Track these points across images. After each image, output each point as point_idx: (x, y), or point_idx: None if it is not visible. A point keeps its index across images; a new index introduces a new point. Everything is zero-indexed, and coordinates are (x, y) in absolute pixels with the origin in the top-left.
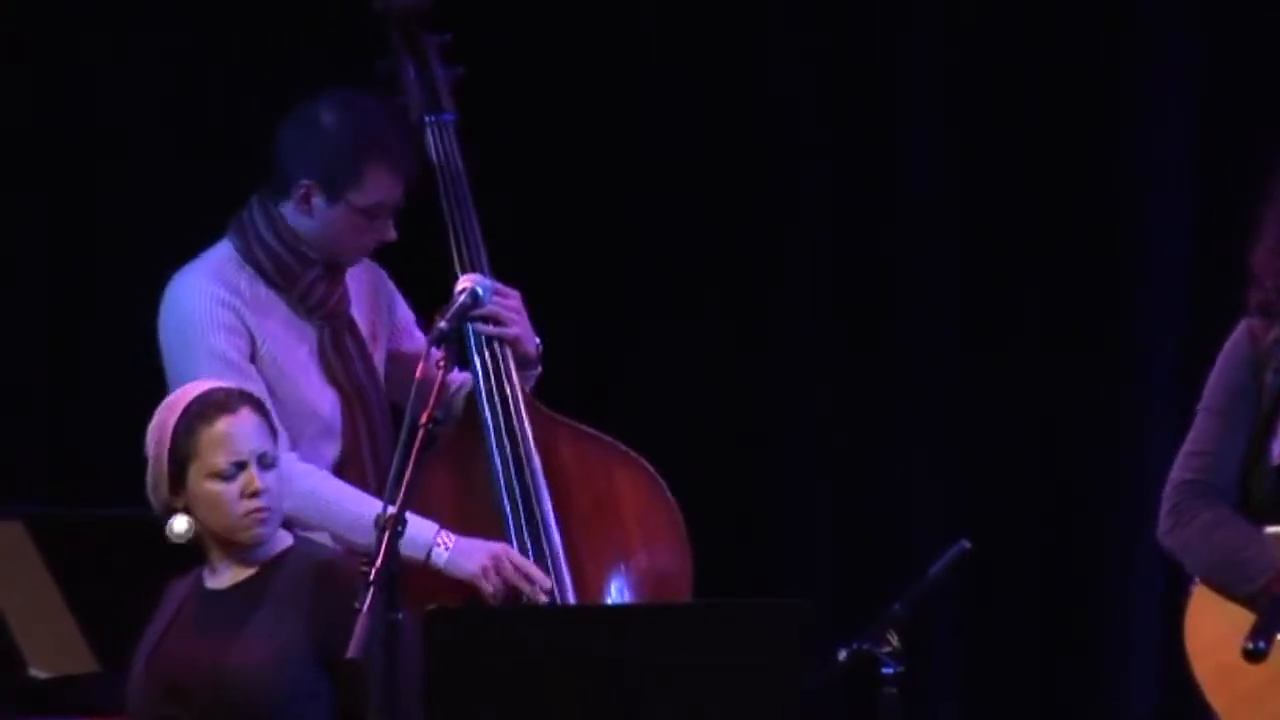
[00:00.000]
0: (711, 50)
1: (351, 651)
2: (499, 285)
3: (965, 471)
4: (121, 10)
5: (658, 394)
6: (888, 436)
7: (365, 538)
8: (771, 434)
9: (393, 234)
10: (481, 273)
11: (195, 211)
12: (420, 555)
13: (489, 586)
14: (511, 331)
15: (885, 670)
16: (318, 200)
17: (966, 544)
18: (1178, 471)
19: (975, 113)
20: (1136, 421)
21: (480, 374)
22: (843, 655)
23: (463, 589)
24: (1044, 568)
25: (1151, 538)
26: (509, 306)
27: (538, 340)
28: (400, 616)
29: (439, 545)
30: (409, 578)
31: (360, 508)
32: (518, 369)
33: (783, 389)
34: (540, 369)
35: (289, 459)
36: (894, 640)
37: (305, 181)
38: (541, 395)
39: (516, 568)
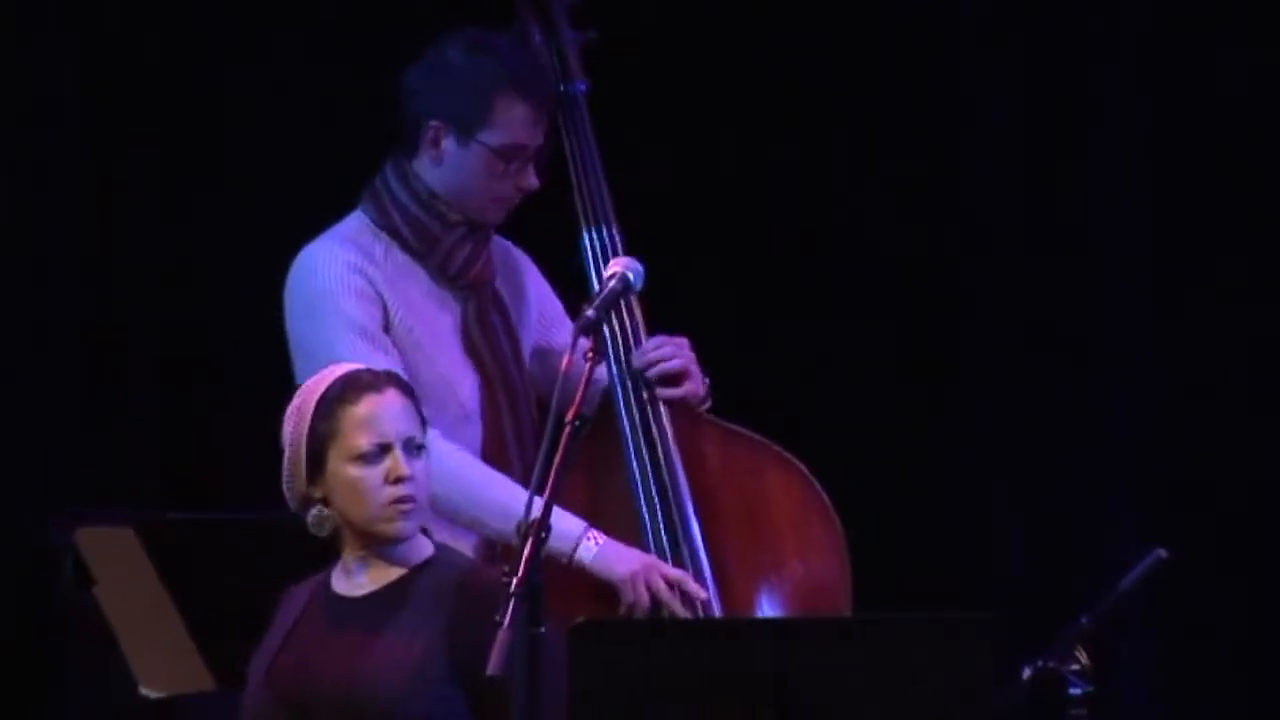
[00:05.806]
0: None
1: (492, 668)
2: (668, 337)
3: (1160, 474)
4: None
5: (830, 395)
6: (1076, 436)
7: (512, 528)
8: (951, 435)
9: (534, 181)
10: (614, 256)
11: (320, 193)
12: (566, 548)
13: (632, 595)
14: (678, 392)
15: (1073, 690)
16: (448, 143)
17: (1162, 552)
18: None
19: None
20: None
21: (615, 368)
22: (1027, 674)
23: (599, 597)
24: (1247, 578)
25: None
26: (680, 356)
27: (706, 380)
28: (543, 631)
29: (588, 540)
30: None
31: (508, 495)
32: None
33: (964, 389)
34: (709, 403)
35: (432, 435)
36: (1082, 657)
37: (434, 123)
38: None
39: (669, 582)
